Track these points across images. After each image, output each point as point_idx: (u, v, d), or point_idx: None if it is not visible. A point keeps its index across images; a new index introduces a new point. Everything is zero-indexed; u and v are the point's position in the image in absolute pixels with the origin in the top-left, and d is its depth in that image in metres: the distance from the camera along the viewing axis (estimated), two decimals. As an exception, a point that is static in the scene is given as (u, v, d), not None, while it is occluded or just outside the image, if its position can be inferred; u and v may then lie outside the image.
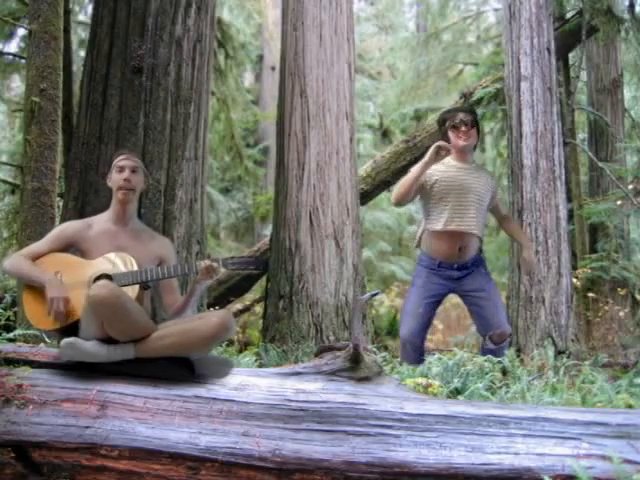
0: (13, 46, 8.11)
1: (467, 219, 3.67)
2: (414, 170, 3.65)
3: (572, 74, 6.98)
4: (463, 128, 3.71)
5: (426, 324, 3.77)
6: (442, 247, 3.70)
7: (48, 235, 2.65)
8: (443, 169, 3.72)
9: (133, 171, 2.67)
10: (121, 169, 2.65)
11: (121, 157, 2.70)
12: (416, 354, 3.62)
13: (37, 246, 2.59)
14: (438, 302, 3.80)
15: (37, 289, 2.45)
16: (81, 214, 3.83)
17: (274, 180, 5.32)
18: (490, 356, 3.37)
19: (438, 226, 3.69)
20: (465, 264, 3.71)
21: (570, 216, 5.83)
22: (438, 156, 3.57)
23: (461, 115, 3.74)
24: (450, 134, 3.75)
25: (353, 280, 4.73)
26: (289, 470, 1.92)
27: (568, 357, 4.29)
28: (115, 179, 2.66)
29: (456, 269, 3.71)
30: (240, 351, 4.63)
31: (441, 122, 3.86)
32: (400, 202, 3.75)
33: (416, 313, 3.70)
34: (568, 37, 6.38)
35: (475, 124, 3.77)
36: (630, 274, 6.48)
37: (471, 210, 3.68)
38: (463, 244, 3.68)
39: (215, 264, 2.47)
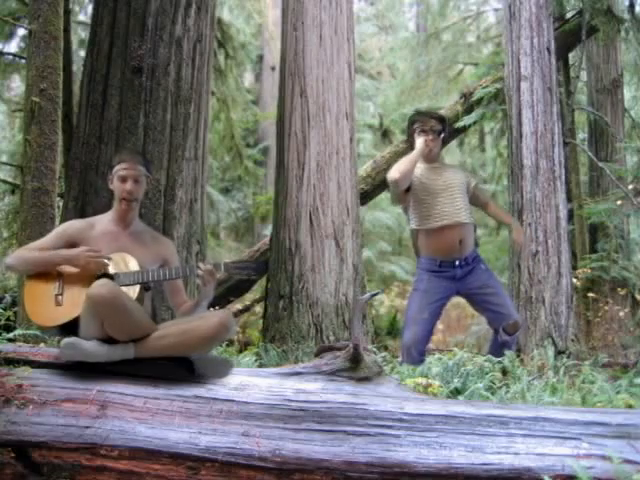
0: (13, 46, 8.13)
1: (457, 210, 3.74)
2: (414, 154, 3.74)
3: (572, 74, 6.98)
4: (431, 136, 3.80)
5: (430, 329, 3.77)
6: (442, 244, 3.72)
7: (51, 233, 2.65)
8: (419, 173, 3.81)
9: (136, 181, 2.61)
10: (123, 179, 2.60)
11: (123, 165, 2.62)
12: (420, 357, 3.63)
13: (39, 244, 2.58)
14: (442, 305, 3.81)
15: (37, 287, 2.45)
16: (81, 214, 3.83)
17: (274, 180, 5.32)
18: (490, 356, 3.38)
19: (432, 224, 3.73)
20: (466, 259, 3.73)
21: (570, 216, 5.84)
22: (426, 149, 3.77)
23: (432, 122, 3.84)
24: (417, 137, 3.82)
25: (353, 280, 4.73)
26: (289, 470, 1.92)
27: (568, 357, 4.29)
28: (118, 189, 2.62)
29: (458, 267, 3.71)
30: (240, 351, 4.62)
31: (411, 123, 3.94)
32: (401, 180, 3.63)
33: (420, 319, 3.69)
34: (568, 37, 6.39)
35: (442, 132, 3.89)
36: (630, 274, 6.48)
37: (457, 201, 3.77)
38: (462, 236, 3.71)
39: (213, 267, 2.47)
